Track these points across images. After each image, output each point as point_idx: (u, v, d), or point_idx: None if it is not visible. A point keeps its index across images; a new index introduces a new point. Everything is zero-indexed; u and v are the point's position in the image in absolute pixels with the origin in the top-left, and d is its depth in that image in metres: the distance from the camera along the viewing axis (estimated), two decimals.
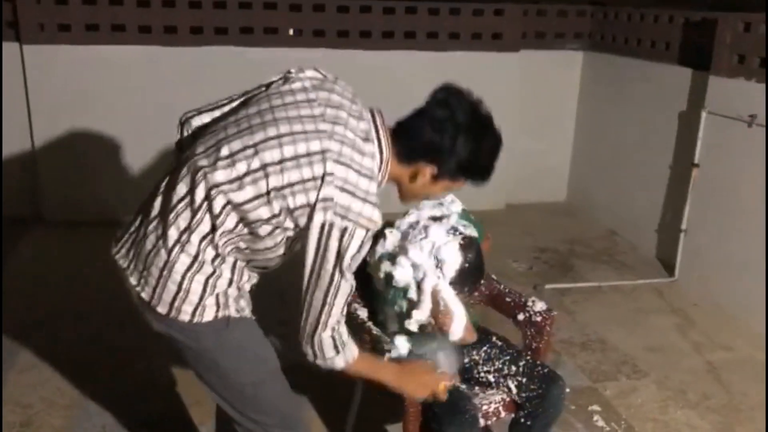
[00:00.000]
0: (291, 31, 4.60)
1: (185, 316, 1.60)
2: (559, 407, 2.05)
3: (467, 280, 2.03)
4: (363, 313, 2.18)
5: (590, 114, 5.10)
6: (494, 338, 2.21)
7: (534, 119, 5.11)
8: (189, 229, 1.56)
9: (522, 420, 2.08)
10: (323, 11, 4.55)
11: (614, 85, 4.79)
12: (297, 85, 1.64)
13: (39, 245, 4.17)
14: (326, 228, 1.50)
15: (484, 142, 1.67)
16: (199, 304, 1.60)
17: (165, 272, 1.58)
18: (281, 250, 1.67)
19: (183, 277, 1.58)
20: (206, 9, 4.39)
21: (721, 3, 4.05)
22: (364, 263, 2.02)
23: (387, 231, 2.05)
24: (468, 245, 2.02)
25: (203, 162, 1.55)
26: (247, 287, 1.73)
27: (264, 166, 1.52)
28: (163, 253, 1.58)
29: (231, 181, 1.53)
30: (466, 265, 2.00)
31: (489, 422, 2.09)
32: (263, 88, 1.69)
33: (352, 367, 1.69)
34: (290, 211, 1.54)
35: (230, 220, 1.56)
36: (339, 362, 1.65)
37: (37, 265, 3.90)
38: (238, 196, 1.53)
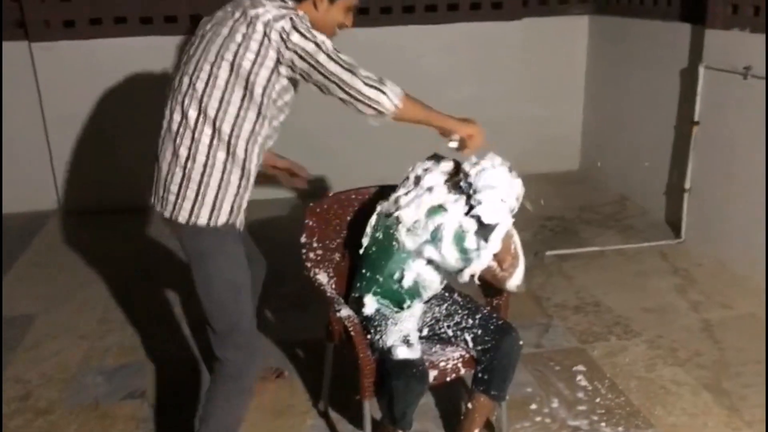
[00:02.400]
0: None
1: (203, 220, 1.90)
2: (511, 359, 2.05)
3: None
4: (322, 277, 2.22)
5: (598, 79, 5.01)
6: (456, 295, 2.22)
7: (542, 88, 5.04)
8: (194, 141, 1.87)
9: (480, 375, 2.10)
10: None
11: (620, 48, 4.68)
12: (220, 14, 1.94)
13: (56, 234, 4.33)
14: (283, 35, 1.78)
15: None
16: (213, 208, 1.89)
17: (183, 183, 1.89)
18: (287, 97, 1.93)
19: (199, 185, 1.88)
20: None
21: None
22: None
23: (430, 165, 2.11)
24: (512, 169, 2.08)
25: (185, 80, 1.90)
26: (244, 204, 1.97)
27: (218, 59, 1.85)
28: (178, 170, 1.89)
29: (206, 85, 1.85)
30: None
31: (449, 378, 2.11)
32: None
33: (407, 104, 1.89)
34: (255, 59, 1.81)
35: (236, 95, 1.84)
36: (392, 95, 1.87)
37: (52, 253, 4.06)
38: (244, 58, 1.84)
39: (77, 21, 4.40)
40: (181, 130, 1.89)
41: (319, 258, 2.28)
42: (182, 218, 1.91)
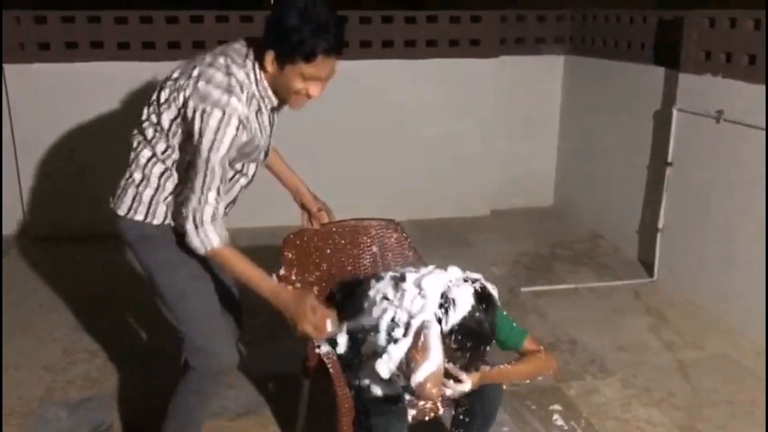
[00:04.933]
0: None
1: (139, 216, 2.06)
2: (494, 404, 2.01)
3: (468, 339, 1.76)
4: None
5: (573, 117, 5.08)
6: None
7: (517, 125, 5.11)
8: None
9: (461, 417, 2.05)
10: None
11: (595, 88, 4.77)
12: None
13: (20, 261, 4.21)
14: (195, 113, 1.80)
15: (288, 5, 1.80)
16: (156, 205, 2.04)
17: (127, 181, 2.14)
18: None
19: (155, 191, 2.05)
20: (183, 23, 4.46)
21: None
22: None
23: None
24: (485, 297, 1.81)
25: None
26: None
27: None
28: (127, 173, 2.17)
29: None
30: (476, 314, 1.76)
31: (427, 418, 2.07)
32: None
33: (224, 252, 1.89)
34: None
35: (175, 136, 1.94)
36: (205, 239, 1.86)
37: (15, 280, 3.94)
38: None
39: (53, 44, 4.33)
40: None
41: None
42: None
